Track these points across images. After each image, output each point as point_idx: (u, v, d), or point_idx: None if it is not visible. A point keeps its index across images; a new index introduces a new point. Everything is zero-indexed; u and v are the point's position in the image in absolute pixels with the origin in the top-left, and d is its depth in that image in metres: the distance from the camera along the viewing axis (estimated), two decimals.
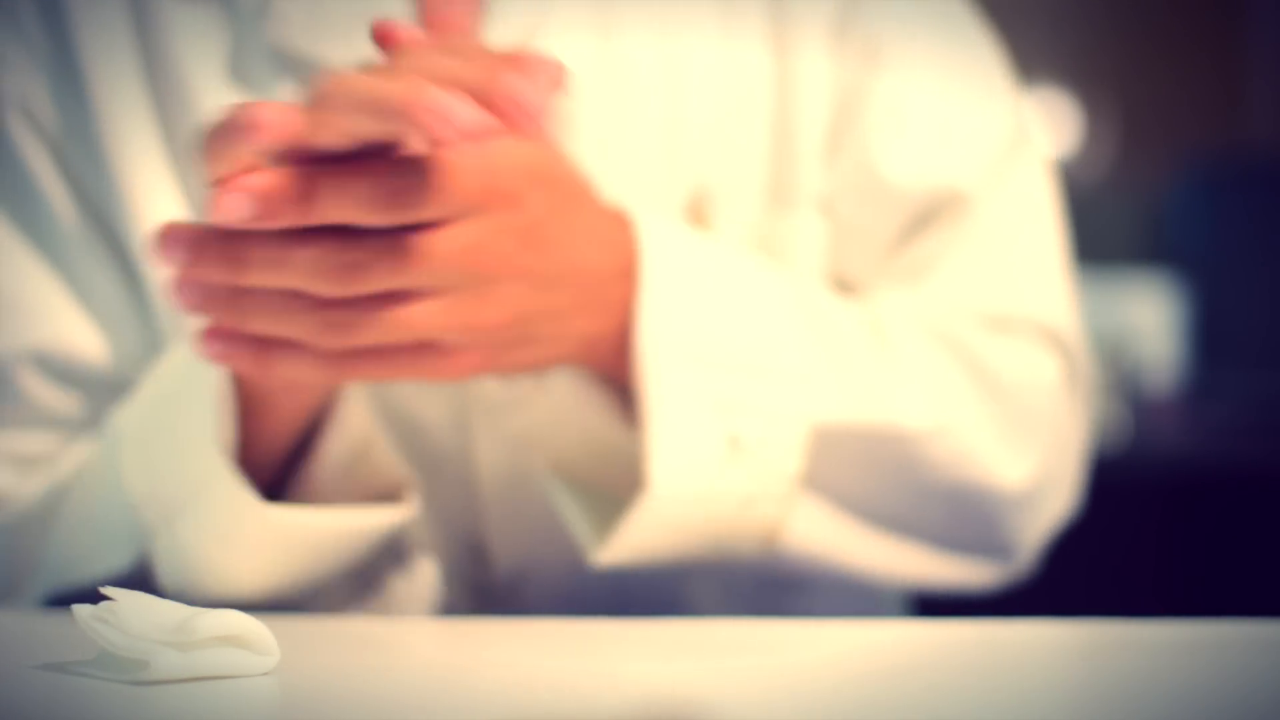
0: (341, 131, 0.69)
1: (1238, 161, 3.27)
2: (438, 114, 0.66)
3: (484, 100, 0.67)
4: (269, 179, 0.70)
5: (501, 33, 0.86)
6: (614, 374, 0.81)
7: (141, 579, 0.80)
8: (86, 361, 0.88)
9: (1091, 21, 3.51)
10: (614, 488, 0.82)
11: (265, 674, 0.60)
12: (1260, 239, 2.97)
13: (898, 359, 0.86)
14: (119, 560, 0.81)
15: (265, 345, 0.73)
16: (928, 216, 0.91)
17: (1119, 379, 2.78)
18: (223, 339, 0.73)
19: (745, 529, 0.82)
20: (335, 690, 0.61)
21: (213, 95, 0.86)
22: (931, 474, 0.86)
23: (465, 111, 0.66)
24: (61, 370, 0.88)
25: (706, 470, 0.80)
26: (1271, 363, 2.87)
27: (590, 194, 0.78)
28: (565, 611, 0.86)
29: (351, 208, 0.70)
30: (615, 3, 0.89)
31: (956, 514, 0.87)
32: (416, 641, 0.73)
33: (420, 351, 0.74)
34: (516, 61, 0.68)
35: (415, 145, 0.71)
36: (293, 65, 0.87)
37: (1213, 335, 2.93)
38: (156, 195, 0.87)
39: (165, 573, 0.79)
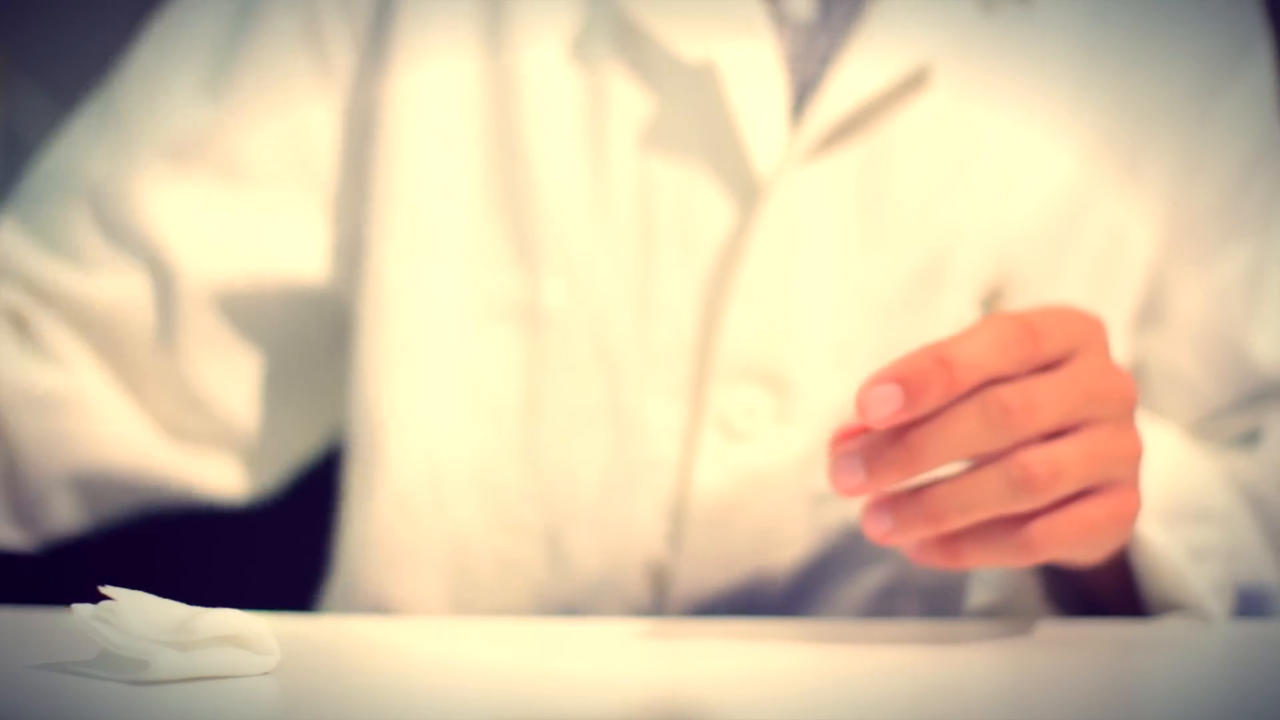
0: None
1: None
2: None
3: None
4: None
5: None
6: None
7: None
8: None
9: None
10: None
11: (265, 674, 0.60)
12: None
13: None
14: None
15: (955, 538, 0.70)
16: (1271, 393, 0.93)
17: None
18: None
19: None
20: (335, 690, 0.61)
21: (547, 75, 0.87)
22: None
23: None
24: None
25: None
26: None
27: None
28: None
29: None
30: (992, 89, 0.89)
31: None
32: (416, 641, 0.73)
33: (1096, 496, 0.71)
34: None
35: None
36: (633, 42, 0.87)
37: None
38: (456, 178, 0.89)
39: None
